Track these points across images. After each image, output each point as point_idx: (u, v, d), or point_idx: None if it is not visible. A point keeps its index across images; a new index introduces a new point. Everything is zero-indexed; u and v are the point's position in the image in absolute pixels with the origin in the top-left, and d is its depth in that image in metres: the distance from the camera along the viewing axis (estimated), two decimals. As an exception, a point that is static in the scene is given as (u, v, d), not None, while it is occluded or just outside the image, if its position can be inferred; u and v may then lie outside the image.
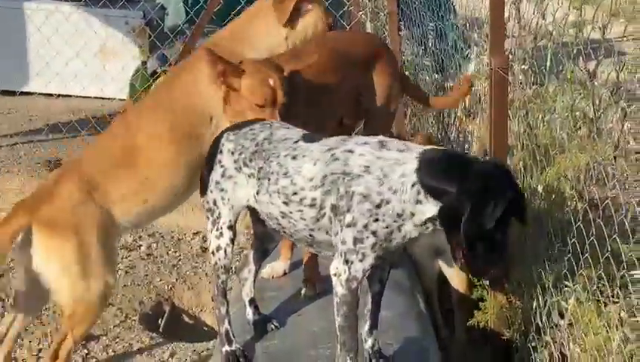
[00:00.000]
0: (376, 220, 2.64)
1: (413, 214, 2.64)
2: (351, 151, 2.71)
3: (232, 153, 3.01)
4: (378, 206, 2.64)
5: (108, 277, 3.51)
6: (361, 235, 2.66)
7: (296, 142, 2.89)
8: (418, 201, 2.62)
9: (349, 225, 2.67)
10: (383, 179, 2.63)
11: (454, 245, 2.66)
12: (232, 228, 3.07)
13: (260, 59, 3.47)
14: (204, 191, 3.10)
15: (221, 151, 3.04)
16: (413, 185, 2.60)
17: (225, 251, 3.09)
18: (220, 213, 3.05)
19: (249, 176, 2.95)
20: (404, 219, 2.65)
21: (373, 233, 2.66)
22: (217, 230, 3.07)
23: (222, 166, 3.03)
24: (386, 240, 2.69)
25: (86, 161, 3.66)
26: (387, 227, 2.66)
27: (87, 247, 3.44)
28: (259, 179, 2.91)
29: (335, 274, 2.77)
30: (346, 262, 2.72)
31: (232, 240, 3.08)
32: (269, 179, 2.87)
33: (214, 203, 3.06)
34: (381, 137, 2.78)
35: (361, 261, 2.71)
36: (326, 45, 3.79)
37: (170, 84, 3.79)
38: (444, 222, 2.62)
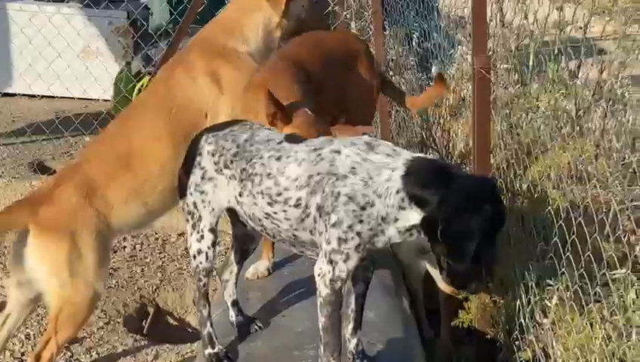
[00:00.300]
0: (361, 221, 2.65)
1: (397, 219, 2.65)
2: (338, 152, 2.71)
3: (213, 155, 2.99)
4: (363, 208, 2.64)
5: (98, 282, 3.53)
6: (345, 236, 2.66)
7: (279, 142, 2.89)
8: (402, 208, 2.62)
9: (334, 225, 2.67)
10: (369, 182, 2.63)
11: (438, 255, 2.68)
12: (213, 230, 3.05)
13: (312, 114, 3.30)
14: (183, 194, 3.09)
15: (200, 154, 3.03)
16: (397, 192, 2.62)
17: (206, 254, 3.08)
18: (200, 216, 3.04)
19: (230, 178, 2.94)
20: (387, 223, 2.66)
21: (358, 234, 2.66)
22: (198, 233, 3.06)
23: (202, 168, 3.02)
24: (370, 242, 2.70)
25: (85, 163, 3.66)
26: (371, 229, 2.67)
27: (81, 250, 3.47)
28: (242, 180, 2.90)
29: (319, 275, 2.76)
30: (331, 262, 2.72)
31: (214, 243, 3.07)
32: (253, 181, 2.86)
33: (194, 206, 3.04)
34: (368, 138, 2.79)
35: (345, 261, 2.71)
36: (307, 45, 3.80)
37: (165, 81, 3.77)
38: (427, 231, 2.63)
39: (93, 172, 3.57)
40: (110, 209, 3.54)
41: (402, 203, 2.62)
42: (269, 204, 2.84)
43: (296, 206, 2.78)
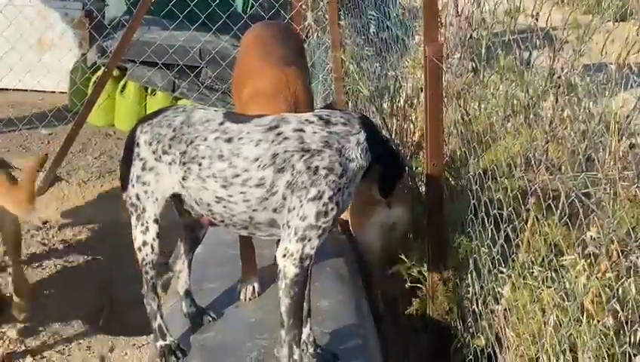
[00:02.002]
0: (339, 189, 2.79)
1: (357, 176, 2.88)
2: (302, 130, 2.81)
3: (150, 144, 2.96)
4: (341, 176, 2.79)
5: None
6: (325, 208, 2.76)
7: (221, 123, 2.88)
8: (366, 164, 2.88)
9: (313, 199, 2.74)
10: (342, 150, 2.81)
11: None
12: (157, 221, 3.02)
13: None
14: (124, 187, 3.06)
15: (138, 144, 2.99)
16: (367, 150, 2.84)
17: (151, 246, 3.05)
18: (144, 208, 3.01)
19: (171, 163, 2.92)
20: (353, 183, 2.87)
21: (337, 204, 2.78)
22: (142, 225, 3.03)
23: (141, 159, 2.98)
24: (343, 209, 2.87)
25: None
26: (348, 194, 2.86)
27: None
28: (184, 163, 2.88)
29: (285, 255, 2.77)
30: (302, 239, 2.76)
31: (158, 234, 3.04)
32: (200, 164, 2.85)
33: (137, 198, 3.01)
34: (317, 112, 2.92)
35: (319, 236, 2.78)
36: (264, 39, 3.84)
37: None
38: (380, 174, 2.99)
39: None
40: None
41: (369, 159, 2.87)
42: (223, 186, 2.83)
43: (259, 186, 2.80)
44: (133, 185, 3.01)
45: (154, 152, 2.95)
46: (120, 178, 3.12)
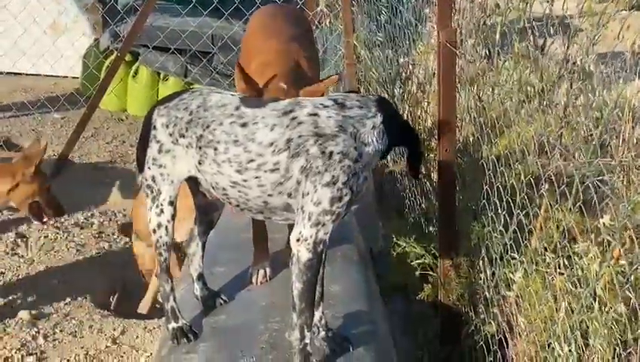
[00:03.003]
0: (354, 174, 2.76)
1: (374, 160, 2.87)
2: (316, 115, 2.78)
3: (167, 126, 2.97)
4: (355, 160, 2.76)
5: None
6: (340, 193, 2.73)
7: (237, 108, 2.87)
8: (384, 148, 2.85)
9: (327, 184, 2.72)
10: (357, 134, 2.78)
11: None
12: (172, 203, 3.03)
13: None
14: (141, 169, 3.06)
15: (154, 127, 2.99)
16: (384, 135, 2.80)
17: (166, 228, 3.05)
18: (159, 190, 3.01)
19: (187, 147, 2.92)
20: (370, 166, 2.86)
21: (350, 189, 2.75)
22: (157, 207, 3.03)
23: (157, 141, 2.98)
24: (357, 194, 2.81)
25: None
26: (363, 179, 2.81)
27: None
28: (200, 148, 2.88)
29: (299, 240, 2.77)
30: (316, 224, 2.75)
31: (173, 217, 3.04)
32: (216, 149, 2.85)
33: (153, 180, 3.01)
34: (334, 96, 2.88)
35: (333, 221, 2.76)
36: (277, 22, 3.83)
37: None
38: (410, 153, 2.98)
39: None
40: None
41: (385, 144, 2.84)
42: (238, 171, 2.83)
43: (273, 171, 2.79)
44: (149, 168, 3.02)
45: (170, 135, 2.95)
46: (136, 160, 3.12)
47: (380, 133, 2.81)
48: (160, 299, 3.34)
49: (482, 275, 3.53)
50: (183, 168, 2.96)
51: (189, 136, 2.91)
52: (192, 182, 3.02)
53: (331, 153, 2.74)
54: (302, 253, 2.77)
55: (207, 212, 3.23)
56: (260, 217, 2.99)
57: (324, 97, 2.91)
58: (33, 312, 4.51)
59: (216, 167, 2.86)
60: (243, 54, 3.83)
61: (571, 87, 3.38)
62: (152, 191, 3.03)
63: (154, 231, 3.06)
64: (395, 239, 4.19)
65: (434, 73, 4.87)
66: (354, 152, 2.76)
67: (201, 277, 3.32)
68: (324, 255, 2.91)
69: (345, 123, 2.78)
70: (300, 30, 3.83)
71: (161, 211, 3.03)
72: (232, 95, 2.96)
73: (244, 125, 2.82)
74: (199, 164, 2.90)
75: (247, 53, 3.74)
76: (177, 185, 3.01)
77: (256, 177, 2.81)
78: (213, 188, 2.93)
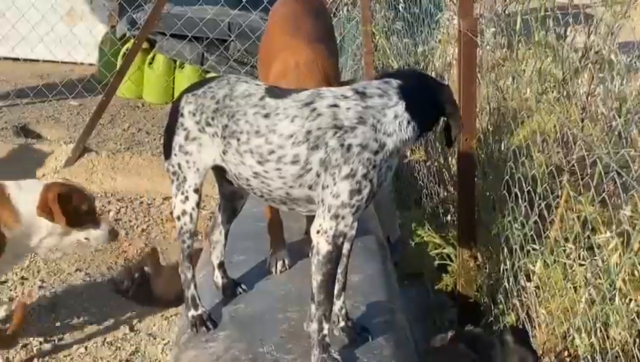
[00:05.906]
0: (375, 167, 2.71)
1: (399, 149, 2.78)
2: (336, 106, 2.74)
3: (194, 114, 2.96)
4: (376, 152, 2.71)
5: None
6: (359, 186, 2.70)
7: (261, 98, 2.86)
8: (412, 136, 2.78)
9: (346, 177, 2.69)
10: (377, 126, 2.72)
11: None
12: (197, 191, 3.03)
13: None
14: (167, 156, 3.06)
15: (182, 115, 2.99)
16: (408, 123, 2.74)
17: (190, 216, 3.05)
18: (185, 177, 3.01)
19: (213, 136, 2.92)
20: (394, 157, 2.78)
21: (371, 181, 2.71)
22: (182, 194, 3.03)
23: (185, 129, 2.98)
24: (380, 185, 2.76)
25: None
26: (386, 168, 2.76)
27: None
28: (224, 137, 2.88)
29: (319, 232, 2.75)
30: (336, 217, 2.72)
31: (198, 204, 3.04)
32: (239, 139, 2.84)
33: (179, 167, 3.01)
34: (354, 86, 2.82)
35: (353, 214, 2.73)
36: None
37: None
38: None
39: None
40: None
41: (413, 131, 2.77)
42: (259, 162, 2.82)
43: (293, 163, 2.77)
44: (175, 154, 3.01)
45: (197, 123, 2.95)
46: (163, 146, 3.12)
47: (402, 122, 2.74)
48: None
49: (502, 266, 3.52)
50: (208, 156, 2.96)
51: (215, 125, 2.90)
52: (217, 170, 3.02)
53: (350, 146, 2.70)
54: (321, 245, 2.76)
55: (232, 200, 3.23)
56: (285, 208, 2.98)
57: (345, 87, 2.85)
58: (51, 298, 4.53)
59: (239, 157, 2.85)
60: (265, 48, 3.80)
61: (592, 78, 3.36)
62: (177, 178, 3.03)
63: (178, 218, 3.06)
64: (414, 228, 4.19)
65: (451, 62, 4.86)
66: (374, 144, 2.71)
67: (221, 265, 3.32)
68: (350, 246, 2.90)
69: (365, 114, 2.72)
70: (322, 24, 3.81)
71: (186, 198, 3.03)
72: (258, 84, 2.95)
73: (266, 116, 2.81)
74: (224, 153, 2.89)
75: (269, 48, 3.71)
76: (203, 173, 3.00)
77: (277, 169, 2.80)
78: (236, 178, 2.93)
